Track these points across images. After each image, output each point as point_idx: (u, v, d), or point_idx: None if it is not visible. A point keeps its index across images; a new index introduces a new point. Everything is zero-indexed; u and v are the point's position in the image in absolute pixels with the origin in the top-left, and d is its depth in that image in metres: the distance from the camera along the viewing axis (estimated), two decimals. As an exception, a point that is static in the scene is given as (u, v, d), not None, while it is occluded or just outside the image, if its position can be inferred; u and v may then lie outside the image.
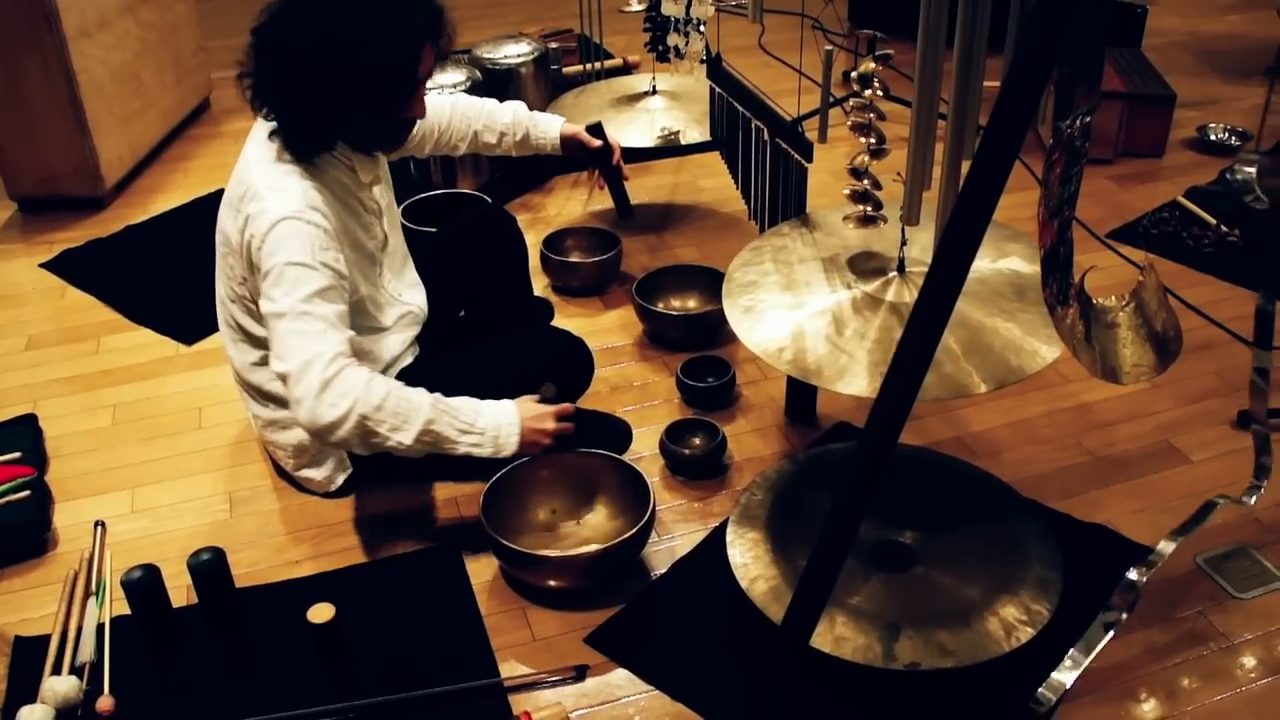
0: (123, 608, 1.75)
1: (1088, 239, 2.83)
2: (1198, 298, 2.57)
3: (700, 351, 2.37)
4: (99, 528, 1.97)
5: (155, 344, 2.54)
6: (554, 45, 3.58)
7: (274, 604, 1.81)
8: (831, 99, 2.20)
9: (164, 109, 3.47)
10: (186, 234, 3.00)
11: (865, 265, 1.83)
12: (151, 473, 2.13)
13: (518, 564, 1.80)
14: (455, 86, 2.97)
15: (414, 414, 1.70)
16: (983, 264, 1.81)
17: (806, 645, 1.45)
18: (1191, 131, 3.39)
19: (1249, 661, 1.68)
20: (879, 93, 1.68)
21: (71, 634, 1.73)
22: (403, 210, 2.58)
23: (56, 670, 1.67)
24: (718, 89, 2.49)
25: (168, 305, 2.66)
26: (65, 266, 2.86)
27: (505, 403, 1.81)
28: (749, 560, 1.76)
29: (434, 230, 2.41)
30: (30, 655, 1.71)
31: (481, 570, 1.88)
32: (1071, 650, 1.63)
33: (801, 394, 2.21)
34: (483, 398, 1.80)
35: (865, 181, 1.75)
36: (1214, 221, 2.83)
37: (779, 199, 2.18)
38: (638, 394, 2.32)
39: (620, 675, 1.68)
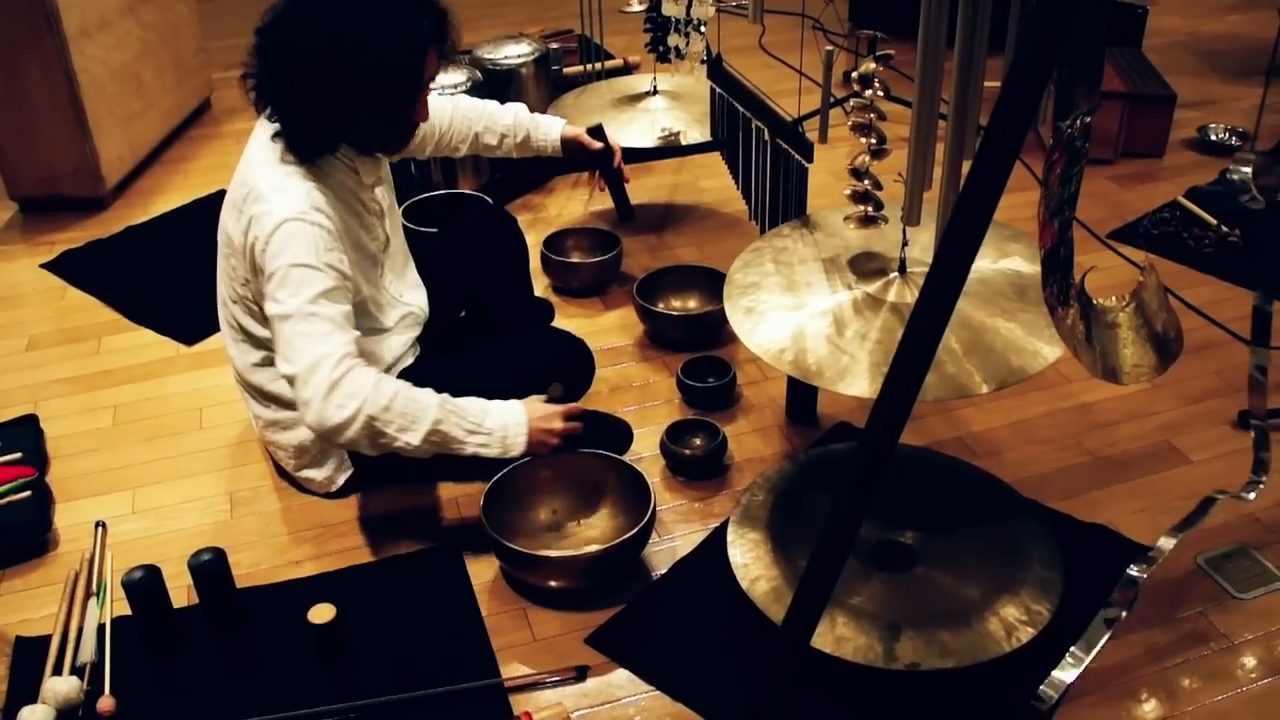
0: (123, 608, 1.75)
1: (1088, 239, 2.83)
2: (1198, 298, 2.57)
3: (701, 352, 2.37)
4: (100, 528, 1.97)
5: (156, 344, 2.54)
6: (554, 46, 3.58)
7: (275, 604, 1.81)
8: (832, 99, 2.20)
9: (165, 109, 3.47)
10: (187, 234, 3.01)
11: (866, 266, 1.83)
12: (152, 473, 2.13)
13: (518, 564, 1.80)
14: (456, 87, 2.97)
15: (422, 414, 1.70)
16: (984, 264, 1.81)
17: (807, 645, 1.45)
18: (1192, 132, 3.39)
19: (1249, 662, 1.68)
20: (879, 93, 1.68)
21: (72, 634, 1.73)
22: (403, 211, 2.58)
23: (57, 671, 1.67)
24: (718, 89, 2.49)
25: (168, 306, 2.66)
26: (66, 267, 2.86)
27: (513, 403, 1.81)
28: (750, 560, 1.76)
29: (435, 231, 2.41)
30: (31, 655, 1.71)
31: (482, 570, 1.88)
32: (1072, 648, 1.63)
33: (802, 394, 2.21)
34: (484, 398, 1.79)
35: (866, 182, 1.75)
36: (1214, 222, 2.83)
37: (780, 199, 2.18)
38: (638, 394, 2.32)
39: (621, 675, 1.68)
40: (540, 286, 2.63)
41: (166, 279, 2.79)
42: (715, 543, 1.89)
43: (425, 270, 2.12)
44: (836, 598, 1.63)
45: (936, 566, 1.77)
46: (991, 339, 1.65)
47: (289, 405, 1.91)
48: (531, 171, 3.21)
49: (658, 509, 1.91)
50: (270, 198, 1.71)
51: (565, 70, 3.62)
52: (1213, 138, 3.35)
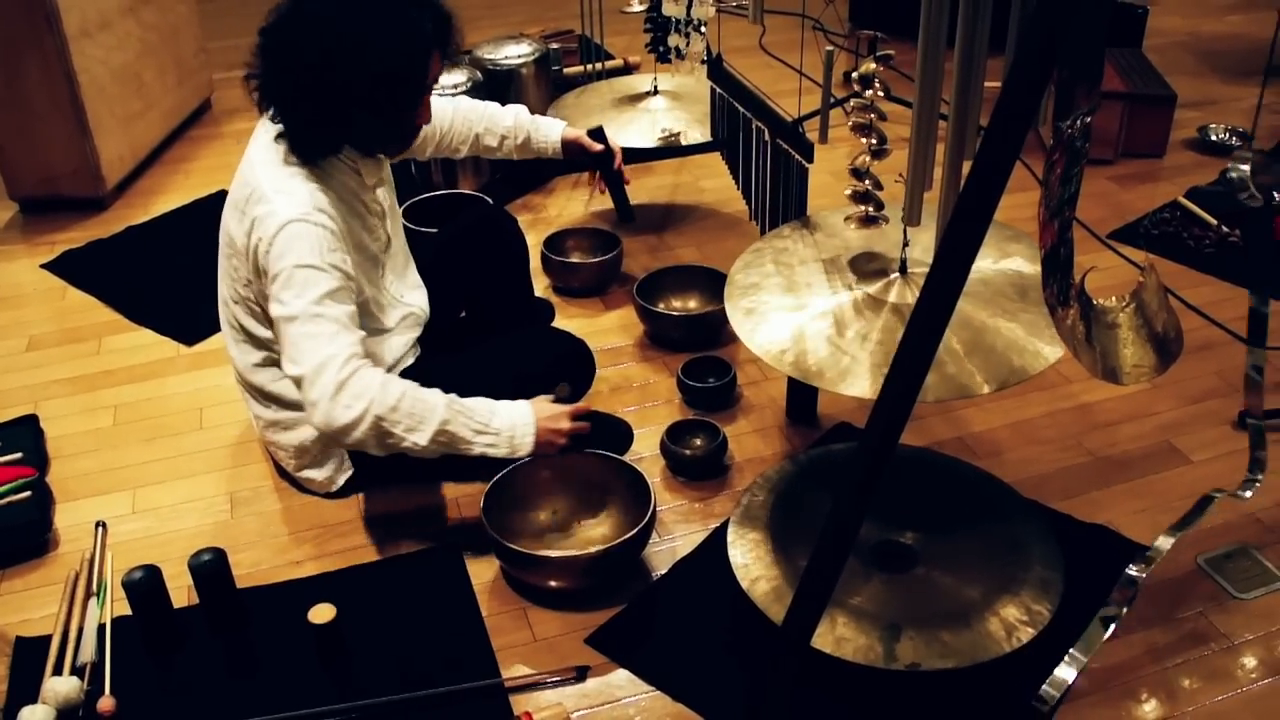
0: (124, 608, 1.75)
1: (1088, 239, 2.83)
2: (1198, 298, 2.57)
3: (701, 352, 2.37)
4: (100, 528, 1.97)
5: (156, 344, 2.54)
6: (555, 46, 3.58)
7: (275, 604, 1.81)
8: (832, 99, 2.20)
9: (165, 110, 3.47)
10: (187, 235, 3.01)
11: (867, 266, 1.83)
12: (152, 473, 2.13)
13: (519, 564, 1.80)
14: (456, 87, 2.97)
15: (429, 414, 1.70)
16: (985, 264, 1.81)
17: (807, 646, 1.45)
18: (1192, 132, 3.39)
19: (1250, 662, 1.68)
20: (880, 93, 1.68)
21: (73, 634, 1.73)
22: (403, 211, 2.58)
23: (58, 671, 1.67)
24: (718, 90, 2.49)
25: (169, 306, 2.66)
26: (66, 267, 2.86)
27: (520, 403, 1.81)
28: (750, 561, 1.76)
29: (435, 231, 2.41)
30: (31, 656, 1.71)
31: (482, 571, 1.88)
32: (1072, 649, 1.63)
33: (802, 394, 2.21)
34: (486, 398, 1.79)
35: (866, 182, 1.75)
36: (1215, 222, 2.83)
37: (780, 200, 2.18)
38: (638, 394, 2.32)
39: (621, 676, 1.68)
40: (540, 287, 2.63)
41: (167, 279, 2.79)
42: (715, 543, 1.89)
43: (426, 270, 2.12)
44: (837, 598, 1.63)
45: (937, 567, 1.77)
46: (992, 339, 1.65)
47: (290, 406, 1.91)
48: (532, 172, 3.21)
49: (658, 509, 1.91)
50: (273, 199, 1.71)
51: (565, 70, 3.62)
52: (1213, 138, 3.35)
